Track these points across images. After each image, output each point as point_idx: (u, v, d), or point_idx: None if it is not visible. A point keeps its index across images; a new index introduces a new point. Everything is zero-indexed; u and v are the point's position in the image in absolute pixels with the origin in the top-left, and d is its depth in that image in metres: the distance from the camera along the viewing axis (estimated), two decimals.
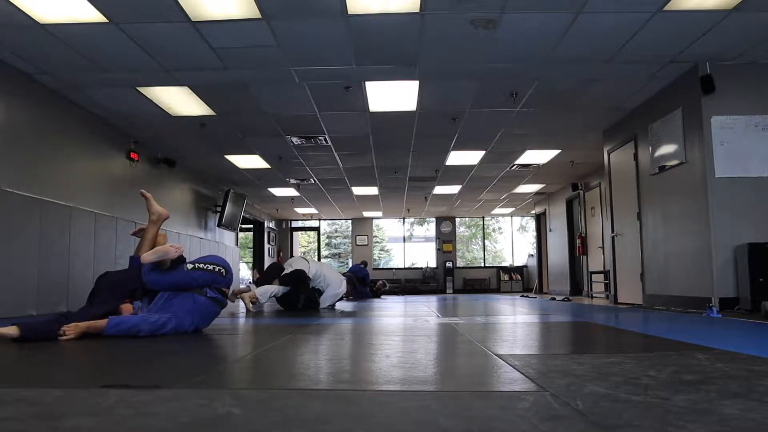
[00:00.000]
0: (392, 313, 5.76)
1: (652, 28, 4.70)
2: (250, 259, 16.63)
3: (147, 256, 3.17)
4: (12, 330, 2.76)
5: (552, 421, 1.17)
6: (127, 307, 3.17)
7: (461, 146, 8.64)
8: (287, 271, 6.28)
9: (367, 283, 11.23)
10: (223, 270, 3.38)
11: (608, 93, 6.36)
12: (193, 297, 3.27)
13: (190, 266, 3.29)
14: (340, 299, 6.72)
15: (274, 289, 6.02)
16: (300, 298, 6.06)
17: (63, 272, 5.84)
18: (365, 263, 12.40)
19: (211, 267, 3.34)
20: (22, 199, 5.31)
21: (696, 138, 5.56)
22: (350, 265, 15.09)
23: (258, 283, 6.44)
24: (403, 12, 4.39)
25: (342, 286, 6.54)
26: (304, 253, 22.90)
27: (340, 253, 23.94)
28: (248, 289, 6.08)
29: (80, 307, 3.27)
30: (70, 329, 2.85)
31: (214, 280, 3.35)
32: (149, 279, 3.24)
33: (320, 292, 6.38)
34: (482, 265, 18.71)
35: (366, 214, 16.65)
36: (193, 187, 10.23)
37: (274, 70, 5.56)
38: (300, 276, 6.15)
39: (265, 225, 15.82)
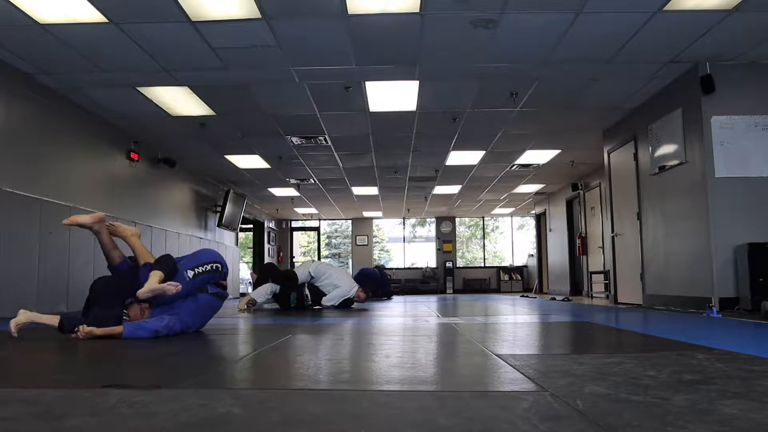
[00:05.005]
0: (392, 313, 5.76)
1: (652, 28, 4.70)
2: (250, 259, 16.62)
3: (143, 293, 3.02)
4: (55, 319, 3.07)
5: (552, 421, 1.17)
6: (134, 308, 3.16)
7: (461, 146, 8.64)
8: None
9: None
10: (219, 265, 3.43)
11: (608, 93, 6.36)
12: (195, 297, 3.30)
13: (191, 273, 3.26)
14: (350, 305, 6.74)
15: (269, 288, 6.38)
16: (291, 296, 6.37)
17: (63, 272, 5.85)
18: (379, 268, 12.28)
19: (208, 267, 3.37)
20: (22, 199, 5.31)
21: (696, 138, 5.56)
22: (350, 265, 15.04)
23: (256, 284, 6.81)
24: (403, 12, 4.39)
25: (351, 292, 6.57)
26: (307, 253, 23.03)
27: (340, 253, 23.92)
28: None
29: (87, 309, 3.27)
30: (86, 332, 2.92)
31: (213, 277, 3.43)
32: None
33: (322, 293, 6.46)
34: (482, 265, 18.71)
35: (366, 214, 16.64)
36: (193, 187, 10.23)
37: (274, 70, 5.56)
38: (289, 275, 6.51)
39: (265, 225, 15.81)
